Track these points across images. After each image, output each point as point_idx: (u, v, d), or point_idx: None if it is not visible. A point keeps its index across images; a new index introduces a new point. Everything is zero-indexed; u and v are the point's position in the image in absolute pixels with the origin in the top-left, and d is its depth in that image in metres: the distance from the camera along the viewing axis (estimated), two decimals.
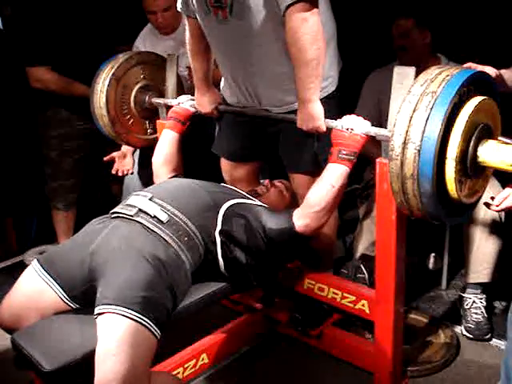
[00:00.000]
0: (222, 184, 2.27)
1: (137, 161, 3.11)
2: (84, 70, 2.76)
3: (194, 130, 2.56)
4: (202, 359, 2.13)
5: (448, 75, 1.56)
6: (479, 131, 1.59)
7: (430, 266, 2.99)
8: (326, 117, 2.01)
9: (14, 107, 3.31)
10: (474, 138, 1.58)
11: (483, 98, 1.60)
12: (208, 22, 2.11)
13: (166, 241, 1.80)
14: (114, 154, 2.97)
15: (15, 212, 3.53)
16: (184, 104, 2.42)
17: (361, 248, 2.73)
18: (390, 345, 2.04)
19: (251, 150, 2.45)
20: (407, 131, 1.53)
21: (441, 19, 2.90)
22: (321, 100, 2.04)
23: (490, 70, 1.86)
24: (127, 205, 1.91)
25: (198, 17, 2.15)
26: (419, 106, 1.53)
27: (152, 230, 1.81)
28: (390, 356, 2.05)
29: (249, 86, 2.20)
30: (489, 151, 1.59)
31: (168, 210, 1.87)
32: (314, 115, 1.99)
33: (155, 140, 2.62)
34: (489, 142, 1.61)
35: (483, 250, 2.45)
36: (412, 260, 2.37)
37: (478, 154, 1.60)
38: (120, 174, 3.01)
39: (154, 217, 1.84)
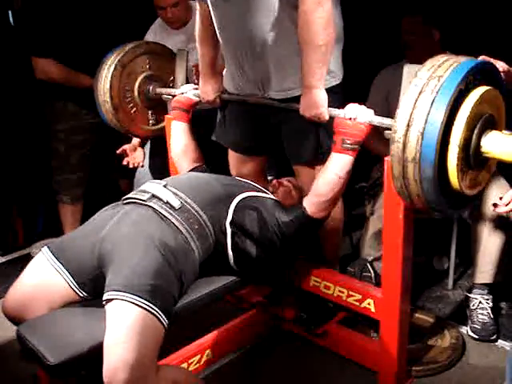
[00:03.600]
0: (236, 177, 2.28)
1: (148, 154, 3.12)
2: (92, 63, 2.74)
3: (202, 127, 2.56)
4: (207, 355, 2.13)
5: (455, 62, 1.56)
6: (484, 121, 1.58)
7: (437, 266, 2.99)
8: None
9: (24, 100, 3.31)
10: (478, 127, 1.56)
11: (490, 88, 1.59)
12: (215, 2, 2.11)
13: (176, 227, 1.81)
14: (126, 146, 2.97)
15: (22, 205, 3.53)
16: (187, 93, 2.43)
17: (367, 247, 2.72)
18: (396, 344, 2.04)
19: (256, 141, 2.44)
20: (411, 114, 1.51)
21: (450, 17, 2.88)
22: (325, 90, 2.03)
23: (501, 65, 1.84)
24: (140, 190, 1.94)
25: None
26: (425, 89, 1.52)
27: (164, 216, 1.83)
28: (395, 355, 2.05)
29: (250, 69, 2.18)
30: (493, 141, 1.58)
31: (181, 198, 1.89)
32: (318, 102, 1.98)
33: (158, 131, 2.67)
34: (493, 133, 1.60)
35: (490, 250, 2.44)
36: (419, 260, 2.36)
37: (482, 143, 1.58)
38: (131, 166, 3.01)
39: (167, 202, 1.86)
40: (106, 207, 1.97)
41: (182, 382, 1.73)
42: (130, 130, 2.70)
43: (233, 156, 2.56)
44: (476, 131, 1.56)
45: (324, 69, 1.96)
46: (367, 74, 2.93)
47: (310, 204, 1.99)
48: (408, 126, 1.51)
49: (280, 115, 2.24)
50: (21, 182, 3.44)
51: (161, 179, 2.05)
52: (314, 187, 1.99)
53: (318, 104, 1.98)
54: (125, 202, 1.93)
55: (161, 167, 2.92)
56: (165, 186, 1.92)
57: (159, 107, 2.68)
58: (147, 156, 3.12)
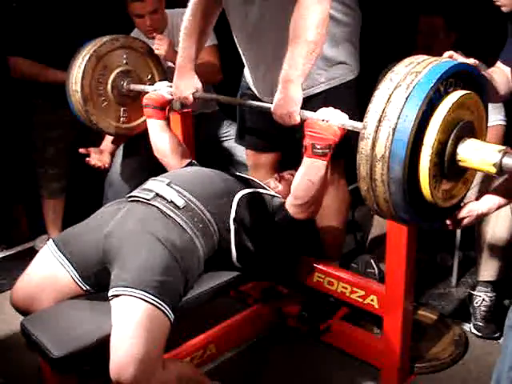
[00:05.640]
0: (237, 173, 2.28)
1: (121, 155, 3.03)
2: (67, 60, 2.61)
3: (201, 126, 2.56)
4: (210, 349, 2.13)
5: (436, 60, 1.48)
6: (461, 127, 1.47)
7: (441, 262, 2.98)
8: (336, 104, 1.99)
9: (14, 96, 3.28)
10: (454, 132, 1.46)
11: (471, 93, 1.50)
12: (234, 3, 2.10)
13: (181, 226, 1.82)
14: (91, 149, 2.82)
15: (26, 198, 3.53)
16: (161, 90, 2.35)
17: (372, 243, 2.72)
18: (398, 341, 2.04)
19: (274, 140, 2.46)
20: (384, 109, 1.41)
21: (467, 18, 2.86)
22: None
23: (472, 61, 1.74)
24: (144, 189, 1.94)
25: (224, 1, 2.15)
26: (401, 83, 1.43)
27: (168, 215, 1.83)
28: (397, 352, 2.05)
29: (267, 72, 2.17)
30: (469, 149, 1.46)
31: (185, 196, 1.89)
32: (293, 98, 1.87)
33: (128, 130, 2.66)
34: (470, 140, 1.49)
35: (494, 247, 2.44)
36: (422, 257, 2.36)
37: (458, 151, 1.47)
38: (92, 163, 2.80)
39: (171, 202, 1.86)
40: (110, 203, 1.99)
41: (186, 376, 1.75)
42: (98, 123, 2.58)
43: (249, 151, 2.60)
44: (452, 136, 1.45)
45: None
46: (372, 71, 2.92)
47: (289, 205, 1.97)
48: (379, 121, 1.41)
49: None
50: (25, 175, 3.43)
51: (136, 182, 2.02)
52: (292, 189, 1.96)
53: (292, 101, 1.87)
54: (129, 199, 1.93)
55: (135, 169, 2.92)
56: (168, 185, 1.92)
57: (133, 105, 2.61)
58: (120, 157, 3.02)
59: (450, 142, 1.45)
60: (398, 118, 1.39)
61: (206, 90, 2.40)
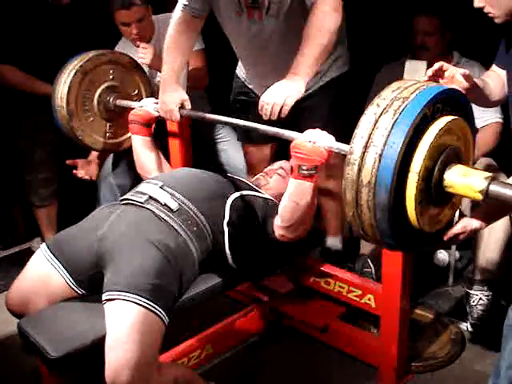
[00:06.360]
0: (229, 175, 2.28)
1: (109, 168, 3.03)
2: (55, 71, 2.57)
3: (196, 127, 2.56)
4: (207, 349, 2.14)
5: (423, 85, 1.46)
6: (448, 153, 1.46)
7: (437, 262, 2.99)
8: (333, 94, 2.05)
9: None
10: (441, 158, 1.44)
11: (458, 118, 1.49)
12: (239, 22, 2.13)
13: (175, 229, 1.82)
14: (78, 160, 2.81)
15: (24, 199, 3.53)
16: (147, 107, 2.31)
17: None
18: (396, 340, 2.04)
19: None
20: (370, 134, 1.39)
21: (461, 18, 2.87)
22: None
23: (460, 75, 1.74)
24: (137, 192, 1.93)
25: (222, 17, 2.17)
26: (388, 109, 1.40)
27: (162, 218, 1.82)
28: (394, 351, 2.06)
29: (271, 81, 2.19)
30: (456, 175, 1.45)
31: (178, 199, 1.88)
32: (295, 88, 1.92)
33: (115, 145, 2.63)
34: (457, 166, 1.47)
35: (491, 247, 2.44)
36: (419, 255, 2.36)
37: (445, 176, 1.46)
38: (79, 176, 2.82)
39: (165, 205, 1.86)
40: (103, 206, 1.98)
41: (182, 379, 1.74)
42: (84, 139, 2.55)
43: (246, 146, 2.63)
44: (439, 162, 1.44)
45: (314, 67, 1.96)
46: (370, 70, 2.93)
47: (276, 226, 1.95)
48: (366, 147, 1.39)
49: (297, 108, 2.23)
50: (20, 177, 3.43)
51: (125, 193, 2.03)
52: (279, 211, 1.93)
53: (292, 89, 1.91)
54: (122, 202, 1.93)
55: (126, 181, 2.93)
56: (161, 187, 1.92)
57: (120, 121, 2.58)
58: (109, 170, 3.01)
59: (436, 168, 1.44)
60: (385, 145, 1.37)
61: (197, 96, 2.39)
